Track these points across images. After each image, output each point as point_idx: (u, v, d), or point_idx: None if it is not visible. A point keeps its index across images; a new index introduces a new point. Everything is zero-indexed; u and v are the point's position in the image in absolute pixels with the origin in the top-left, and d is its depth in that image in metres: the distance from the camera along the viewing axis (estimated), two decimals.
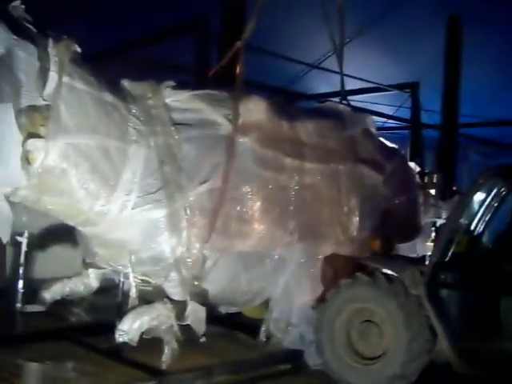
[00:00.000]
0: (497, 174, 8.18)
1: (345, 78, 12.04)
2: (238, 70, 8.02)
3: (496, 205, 8.47)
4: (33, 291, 8.40)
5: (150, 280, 7.52)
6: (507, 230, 8.52)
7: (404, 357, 7.29)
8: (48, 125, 6.35)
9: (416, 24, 18.76)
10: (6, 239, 6.64)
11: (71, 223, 7.30)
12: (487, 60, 19.33)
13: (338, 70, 11.76)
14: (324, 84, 20.13)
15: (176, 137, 7.39)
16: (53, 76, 6.42)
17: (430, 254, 7.90)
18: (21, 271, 8.43)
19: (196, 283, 7.50)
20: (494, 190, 8.36)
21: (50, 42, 6.50)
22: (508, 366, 7.05)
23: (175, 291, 7.41)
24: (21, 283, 8.47)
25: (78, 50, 6.77)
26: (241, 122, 7.93)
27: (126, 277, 7.51)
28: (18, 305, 8.43)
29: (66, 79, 6.51)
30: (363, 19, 13.70)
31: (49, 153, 6.36)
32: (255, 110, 8.13)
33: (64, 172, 6.52)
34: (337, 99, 14.04)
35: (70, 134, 6.52)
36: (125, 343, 7.13)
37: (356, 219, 9.06)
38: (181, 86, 7.86)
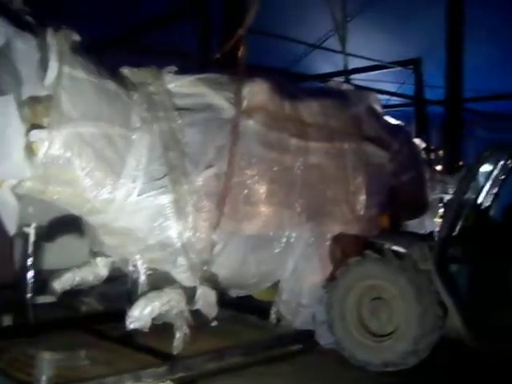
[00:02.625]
0: (502, 148, 8.17)
1: (347, 56, 12.04)
2: (239, 55, 7.98)
3: (502, 178, 8.46)
4: (42, 282, 8.41)
5: (159, 267, 7.53)
6: None
7: (415, 333, 7.31)
8: (50, 115, 6.35)
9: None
10: (13, 231, 6.67)
11: (77, 213, 7.32)
12: (490, 33, 19.24)
13: (340, 50, 11.78)
14: (326, 64, 20.07)
15: (179, 122, 7.37)
16: (53, 66, 6.42)
17: (438, 229, 7.88)
18: (29, 263, 8.44)
19: (205, 268, 7.52)
20: (500, 163, 8.35)
21: (49, 32, 6.49)
22: None
23: (184, 276, 7.43)
24: (30, 275, 8.47)
25: (78, 39, 6.75)
26: (244, 105, 7.91)
27: (135, 264, 7.52)
28: (29, 296, 8.44)
29: (66, 68, 6.51)
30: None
31: (52, 143, 6.37)
32: (258, 92, 8.09)
33: (68, 161, 6.53)
34: (340, 78, 14.07)
35: (72, 123, 6.52)
36: (136, 329, 7.15)
37: (363, 197, 9.03)
38: (182, 71, 7.83)
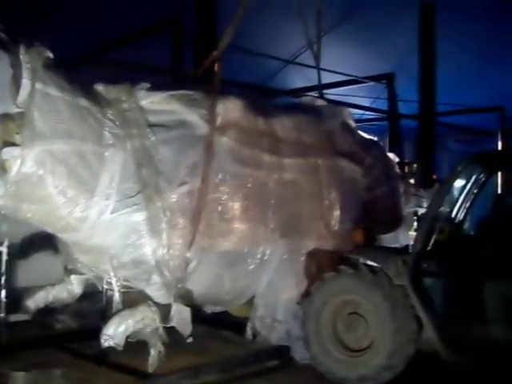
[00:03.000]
0: (475, 161, 8.23)
1: (321, 72, 12.08)
2: (215, 73, 8.00)
3: (476, 191, 8.51)
4: (16, 300, 8.36)
5: (132, 285, 7.49)
6: (488, 216, 8.56)
7: (390, 347, 7.31)
8: (23, 132, 6.31)
9: (389, 15, 18.81)
10: None
11: (51, 230, 7.27)
12: (461, 48, 19.42)
13: (314, 65, 11.82)
14: (300, 79, 20.14)
15: (152, 139, 7.35)
16: (26, 83, 6.38)
17: (412, 243, 7.91)
18: (3, 281, 8.36)
19: (180, 285, 7.49)
20: (474, 177, 8.40)
21: (22, 49, 6.44)
22: (494, 351, 7.09)
23: (159, 294, 7.40)
24: (3, 293, 8.39)
25: (51, 56, 6.72)
26: (219, 122, 7.91)
27: (109, 282, 7.48)
28: (2, 315, 8.35)
29: (39, 86, 6.47)
30: (336, 12, 13.71)
31: (25, 160, 6.33)
32: (232, 109, 8.09)
33: (41, 179, 6.48)
34: (313, 93, 14.11)
35: (45, 141, 6.48)
36: (111, 348, 7.10)
37: (337, 213, 9.06)
38: (156, 87, 7.82)
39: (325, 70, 12.21)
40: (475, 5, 17.98)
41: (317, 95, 12.19)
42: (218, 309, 8.77)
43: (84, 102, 6.98)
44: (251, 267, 8.16)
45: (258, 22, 17.02)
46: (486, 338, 7.16)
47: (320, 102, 10.64)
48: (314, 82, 13.33)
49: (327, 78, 13.85)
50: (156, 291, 7.37)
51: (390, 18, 18.81)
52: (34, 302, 8.18)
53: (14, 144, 6.25)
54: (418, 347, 7.47)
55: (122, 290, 7.44)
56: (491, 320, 7.14)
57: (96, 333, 7.19)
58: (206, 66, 8.30)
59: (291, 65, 20.25)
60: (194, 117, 7.73)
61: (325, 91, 11.95)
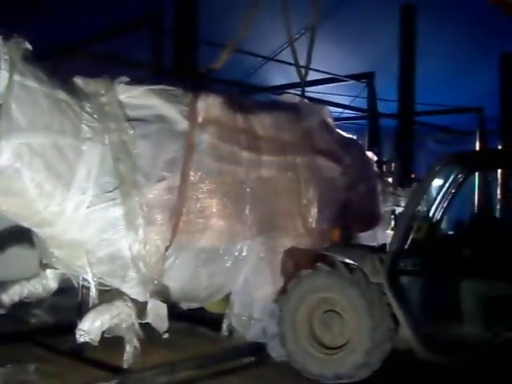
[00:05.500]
0: (453, 161, 8.26)
1: (301, 69, 12.08)
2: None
3: (453, 191, 8.55)
4: None
5: (108, 283, 7.45)
6: (465, 216, 8.60)
7: (367, 345, 7.35)
8: (0, 124, 6.25)
9: (370, 14, 18.84)
10: None
11: (26, 224, 7.21)
12: (441, 47, 19.49)
13: (294, 62, 11.82)
14: (280, 76, 20.13)
15: (131, 133, 7.30)
16: (3, 75, 6.32)
17: (389, 241, 7.94)
18: None
19: (156, 281, 7.46)
20: (451, 177, 8.44)
21: (0, 41, 6.39)
22: (470, 350, 7.13)
23: (135, 291, 7.35)
24: None
25: (29, 47, 6.66)
26: (199, 118, 7.89)
27: (85, 277, 7.43)
28: None
29: (17, 77, 6.41)
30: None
31: (1, 153, 6.28)
32: (212, 105, 8.07)
33: (18, 172, 6.43)
34: (293, 91, 14.11)
35: (23, 133, 6.43)
36: (86, 343, 7.06)
37: (315, 211, 9.06)
38: (136, 81, 7.77)
39: (305, 67, 12.19)
40: (455, 5, 18.04)
41: (298, 93, 12.18)
42: (194, 305, 8.73)
43: (62, 95, 6.91)
44: (228, 264, 8.13)
45: (238, 18, 16.99)
46: (462, 337, 7.22)
47: (300, 100, 10.64)
48: (295, 79, 13.33)
49: (307, 76, 13.83)
50: (132, 288, 7.32)
51: (371, 17, 18.82)
52: (8, 297, 8.10)
53: None
54: (394, 345, 7.50)
55: (97, 287, 7.39)
56: (467, 318, 7.20)
57: (71, 328, 7.14)
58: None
59: (271, 62, 20.23)
60: (173, 112, 7.68)
61: (305, 89, 11.93)
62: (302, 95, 11.39)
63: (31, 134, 6.49)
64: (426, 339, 7.23)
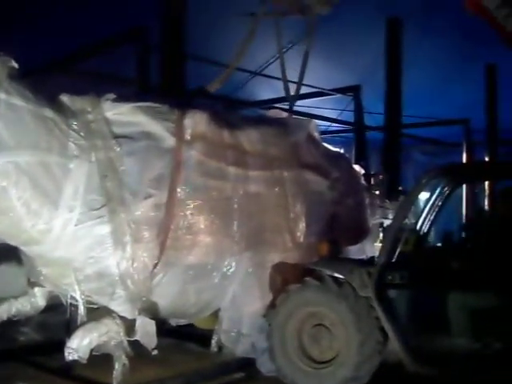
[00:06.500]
0: (440, 174, 8.29)
1: (288, 83, 12.12)
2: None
3: (441, 203, 8.57)
4: None
5: (95, 301, 7.43)
6: (452, 228, 8.62)
7: (356, 359, 7.35)
8: None
9: (356, 27, 18.94)
10: None
11: (14, 243, 7.19)
12: (427, 60, 19.61)
13: (281, 77, 11.87)
14: (267, 90, 20.20)
15: (117, 150, 7.30)
16: None
17: (377, 255, 7.95)
18: None
19: (144, 298, 7.45)
20: (438, 189, 8.46)
21: None
22: (459, 362, 7.15)
23: (123, 309, 7.32)
24: None
25: (15, 65, 6.66)
26: (186, 135, 7.90)
27: (73, 295, 7.41)
28: None
29: (3, 96, 6.42)
30: (303, 24, 13.76)
31: None
32: (199, 122, 8.07)
33: (4, 190, 6.42)
34: (281, 105, 14.16)
35: (9, 152, 6.42)
36: (75, 361, 7.03)
37: (303, 225, 9.05)
38: (122, 98, 7.78)
39: (292, 81, 12.24)
40: (440, 18, 18.16)
41: (286, 107, 12.24)
42: (183, 321, 8.71)
43: (49, 113, 6.92)
44: (216, 280, 8.12)
45: (225, 32, 17.06)
46: (451, 349, 7.24)
47: (286, 115, 10.67)
48: (281, 94, 13.38)
49: (293, 90, 13.89)
50: (120, 305, 7.29)
51: (357, 30, 18.93)
52: None
53: None
54: (383, 358, 7.51)
55: (85, 305, 7.37)
56: (456, 330, 7.23)
57: (60, 346, 7.11)
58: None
59: (258, 76, 20.29)
60: (159, 129, 7.69)
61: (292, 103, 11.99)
62: (290, 110, 11.42)
63: (18, 153, 6.49)
64: (415, 352, 7.25)
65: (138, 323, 7.34)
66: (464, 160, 20.65)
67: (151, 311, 7.58)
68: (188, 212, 7.74)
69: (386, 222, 12.19)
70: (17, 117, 6.55)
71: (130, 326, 7.29)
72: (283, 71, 11.20)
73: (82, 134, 7.18)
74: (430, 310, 7.45)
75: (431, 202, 8.45)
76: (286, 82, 11.40)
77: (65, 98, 7.47)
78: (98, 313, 7.38)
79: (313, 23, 10.87)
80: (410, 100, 17.96)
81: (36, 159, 6.65)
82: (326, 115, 19.20)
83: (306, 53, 11.31)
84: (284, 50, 11.63)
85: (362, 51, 19.53)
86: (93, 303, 7.43)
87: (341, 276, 7.78)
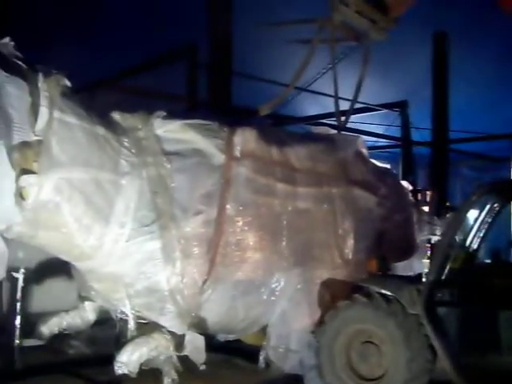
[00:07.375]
0: (489, 190, 8.22)
1: (339, 105, 12.12)
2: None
3: (490, 220, 8.49)
4: (30, 326, 8.38)
5: (145, 316, 7.49)
6: (502, 245, 8.53)
7: (404, 377, 7.27)
8: (40, 160, 6.37)
9: (403, 43, 18.87)
10: (1, 276, 6.64)
11: (66, 258, 7.32)
12: (474, 73, 19.46)
13: (327, 93, 11.88)
14: (313, 105, 20.22)
15: (168, 167, 7.40)
16: (44, 111, 6.47)
17: (426, 271, 7.90)
18: (18, 306, 8.39)
19: (193, 314, 7.49)
20: (488, 206, 8.39)
21: (41, 78, 6.54)
22: (509, 382, 7.05)
23: (172, 324, 7.38)
24: (18, 318, 8.42)
25: (68, 84, 6.80)
26: (236, 152, 7.97)
27: (123, 310, 7.48)
28: (17, 340, 8.37)
29: (56, 114, 6.56)
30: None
31: (42, 188, 6.39)
32: (249, 139, 8.14)
33: (58, 206, 6.54)
34: (327, 120, 14.14)
35: (62, 169, 6.55)
36: (124, 375, 7.10)
37: (351, 241, 9.06)
38: (172, 115, 7.88)
39: (339, 97, 12.24)
40: (488, 32, 18.04)
41: (333, 123, 12.25)
42: (231, 337, 8.74)
43: (101, 130, 7.05)
44: (265, 296, 8.16)
45: (272, 50, 17.14)
46: (501, 368, 7.13)
47: (333, 132, 10.68)
48: (328, 109, 13.41)
49: (341, 106, 13.89)
50: (169, 321, 7.36)
51: (404, 47, 18.87)
52: (47, 328, 8.22)
53: (31, 172, 6.32)
54: (432, 377, 7.43)
55: (135, 320, 7.44)
56: (506, 350, 7.12)
57: (109, 359, 7.19)
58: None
59: (305, 92, 20.33)
60: (209, 146, 7.78)
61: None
62: (339, 126, 11.41)
63: (71, 169, 6.62)
64: (464, 370, 7.15)
65: (187, 338, 7.40)
66: None
67: (200, 327, 7.64)
68: (237, 228, 7.80)
69: (434, 239, 12.10)
70: (70, 134, 6.69)
71: (179, 341, 7.35)
72: (336, 94, 11.17)
73: (133, 150, 7.30)
74: (480, 327, 7.35)
75: (481, 219, 8.38)
76: (337, 103, 11.38)
77: (116, 115, 7.59)
78: (147, 328, 7.44)
79: (368, 50, 10.83)
80: (457, 114, 17.85)
81: (88, 176, 6.78)
82: (372, 130, 19.15)
83: (359, 80, 11.30)
84: (336, 61, 11.61)
85: (409, 67, 19.46)
86: (142, 318, 7.50)
87: (389, 293, 7.73)
